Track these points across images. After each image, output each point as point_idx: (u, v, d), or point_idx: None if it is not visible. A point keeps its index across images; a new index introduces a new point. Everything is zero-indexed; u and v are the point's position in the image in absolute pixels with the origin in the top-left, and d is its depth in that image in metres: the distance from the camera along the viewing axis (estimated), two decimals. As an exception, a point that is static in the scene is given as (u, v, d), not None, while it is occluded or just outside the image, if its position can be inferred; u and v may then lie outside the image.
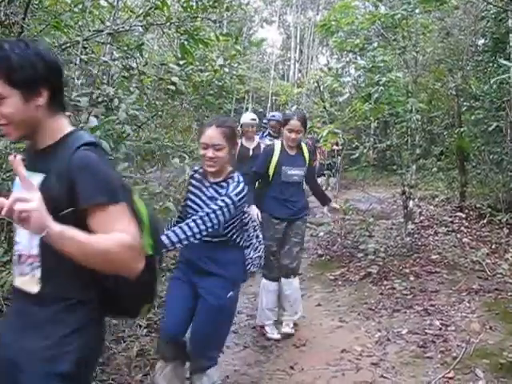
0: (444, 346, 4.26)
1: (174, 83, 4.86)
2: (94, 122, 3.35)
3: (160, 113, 7.33)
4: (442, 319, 4.78)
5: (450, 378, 3.78)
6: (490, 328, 4.50)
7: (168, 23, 4.51)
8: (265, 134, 7.52)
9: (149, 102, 5.29)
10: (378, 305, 5.31)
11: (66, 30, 4.22)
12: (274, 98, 17.94)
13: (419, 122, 6.71)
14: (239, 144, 6.10)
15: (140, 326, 4.67)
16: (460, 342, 4.30)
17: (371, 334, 4.69)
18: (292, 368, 4.12)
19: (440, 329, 4.58)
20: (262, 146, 6.20)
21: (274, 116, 7.59)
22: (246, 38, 25.77)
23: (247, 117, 6.63)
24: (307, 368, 4.10)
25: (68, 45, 4.55)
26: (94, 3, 4.95)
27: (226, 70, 5.26)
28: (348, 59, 7.80)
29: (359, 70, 6.28)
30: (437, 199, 10.44)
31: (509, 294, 5.12)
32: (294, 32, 23.64)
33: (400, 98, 6.14)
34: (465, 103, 8.96)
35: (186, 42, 4.66)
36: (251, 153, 6.45)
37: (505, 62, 3.62)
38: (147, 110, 5.39)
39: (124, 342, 4.34)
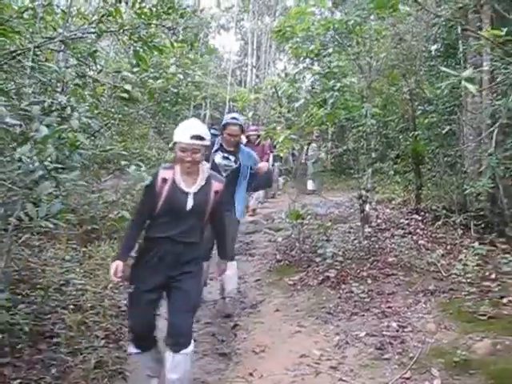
0: (401, 347, 4.32)
1: (127, 91, 4.81)
2: (44, 130, 3.27)
3: (115, 121, 7.27)
4: (399, 321, 4.83)
5: (407, 379, 3.84)
6: (445, 327, 4.58)
7: (121, 30, 4.44)
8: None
9: (104, 110, 5.23)
10: (336, 309, 5.34)
11: (15, 37, 4.12)
12: (231, 103, 17.97)
13: (374, 127, 6.79)
14: None
15: (97, 337, 4.58)
16: (416, 342, 4.37)
17: (330, 337, 4.72)
18: (251, 375, 4.12)
19: (397, 330, 4.64)
20: None
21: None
22: (204, 45, 25.80)
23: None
24: (266, 374, 4.11)
25: (18, 52, 4.45)
26: (46, 9, 4.87)
27: (181, 76, 5.22)
28: (305, 65, 7.86)
29: (314, 75, 6.33)
30: (394, 202, 10.61)
31: (463, 293, 5.22)
32: (250, 38, 23.73)
33: (355, 103, 6.22)
34: (419, 107, 9.12)
35: (140, 49, 4.61)
36: None
37: (447, 70, 3.70)
38: (101, 119, 5.32)
39: (81, 354, 4.25)
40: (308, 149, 13.53)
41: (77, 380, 3.89)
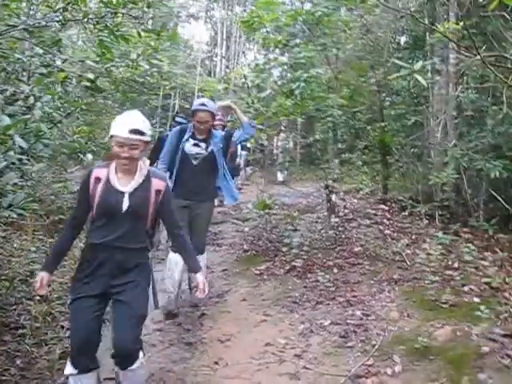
0: (364, 335, 4.38)
1: (91, 80, 4.75)
2: (6, 120, 3.21)
3: (82, 111, 7.17)
4: (363, 309, 4.91)
5: (370, 366, 3.91)
6: (408, 315, 4.67)
7: (85, 19, 4.36)
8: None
9: (69, 100, 5.14)
10: (302, 298, 5.38)
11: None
12: (200, 94, 17.86)
13: (342, 118, 6.84)
14: None
15: (63, 328, 4.55)
16: (379, 330, 4.44)
17: (295, 326, 4.76)
18: (216, 363, 4.14)
19: (361, 319, 4.71)
20: None
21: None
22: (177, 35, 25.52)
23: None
24: (232, 363, 4.13)
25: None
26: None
27: (146, 66, 5.16)
28: (274, 55, 7.86)
29: (281, 66, 6.34)
30: (361, 192, 10.69)
31: (426, 282, 5.31)
32: (220, 28, 23.59)
33: (322, 93, 6.24)
34: (387, 98, 9.23)
35: (104, 38, 4.55)
36: None
37: (399, 62, 3.77)
38: (67, 108, 5.23)
39: (46, 345, 4.22)
40: (277, 139, 13.57)
41: (42, 371, 3.87)
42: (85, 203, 3.23)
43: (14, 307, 4.68)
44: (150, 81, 5.89)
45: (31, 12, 4.42)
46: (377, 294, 5.25)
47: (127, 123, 3.09)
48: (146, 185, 3.25)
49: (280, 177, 14.59)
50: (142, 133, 3.11)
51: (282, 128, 13.01)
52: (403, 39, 10.32)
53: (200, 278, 3.41)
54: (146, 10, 5.42)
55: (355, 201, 9.72)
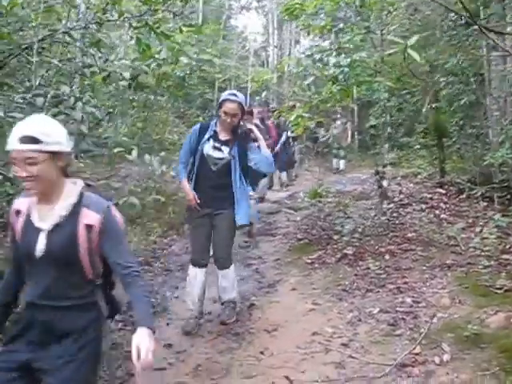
0: (413, 323, 4.29)
1: (132, 78, 4.86)
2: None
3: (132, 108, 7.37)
4: (413, 296, 4.80)
5: (417, 354, 3.82)
6: (459, 302, 4.53)
7: (121, 19, 4.45)
8: None
9: (121, 98, 5.27)
10: (352, 286, 5.33)
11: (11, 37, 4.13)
12: (252, 85, 17.85)
13: (390, 101, 6.68)
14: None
15: (115, 320, 4.68)
16: (429, 317, 4.33)
17: (343, 315, 4.72)
18: (262, 353, 4.17)
19: (411, 306, 4.61)
20: None
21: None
22: (230, 27, 25.64)
23: None
24: (277, 352, 4.14)
25: (25, 46, 4.50)
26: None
27: (186, 61, 5.20)
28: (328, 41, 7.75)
29: (324, 52, 6.23)
30: (419, 176, 10.44)
31: (480, 267, 5.13)
32: (271, 17, 23.44)
33: (367, 77, 6.11)
34: (441, 79, 8.92)
35: (142, 37, 4.63)
36: None
37: (394, 39, 3.68)
38: (120, 106, 5.36)
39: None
40: (333, 127, 13.39)
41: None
42: (13, 244, 2.46)
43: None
44: (192, 75, 5.85)
45: (72, 15, 4.51)
46: (428, 281, 5.12)
47: (18, 130, 2.18)
48: (73, 218, 2.30)
49: (336, 164, 14.45)
50: (37, 140, 2.15)
51: (339, 115, 12.94)
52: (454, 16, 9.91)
53: (143, 340, 2.27)
54: (182, 4, 5.46)
55: (411, 185, 9.48)
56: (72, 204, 2.32)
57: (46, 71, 4.44)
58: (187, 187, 4.67)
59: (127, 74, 4.51)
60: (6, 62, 4.35)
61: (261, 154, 4.68)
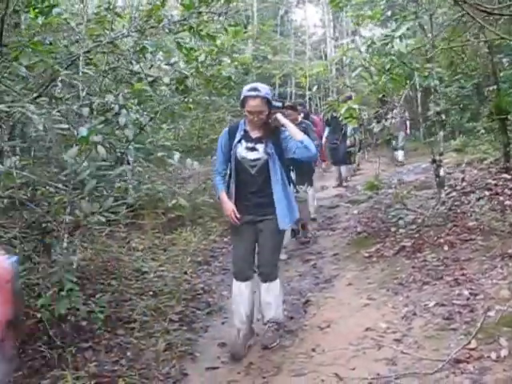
0: (470, 317, 4.14)
1: (179, 81, 4.97)
2: (83, 131, 3.46)
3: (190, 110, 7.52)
4: (471, 288, 4.63)
5: (472, 349, 3.69)
6: (520, 294, 4.34)
7: (161, 25, 4.55)
8: None
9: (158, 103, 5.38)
10: (408, 279, 5.21)
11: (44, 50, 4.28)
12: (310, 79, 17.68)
13: (441, 87, 6.48)
14: None
15: (171, 321, 4.81)
16: (487, 310, 4.17)
17: (398, 309, 4.63)
18: (314, 350, 4.15)
19: (468, 299, 4.46)
20: None
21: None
22: (288, 22, 25.55)
23: None
24: (329, 349, 4.12)
25: (73, 58, 4.69)
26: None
27: (228, 60, 5.26)
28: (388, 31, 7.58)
29: (370, 41, 6.09)
30: (485, 162, 10.05)
31: (544, 256, 4.91)
32: (326, 9, 23.12)
33: (417, 64, 5.95)
34: (504, 59, 8.57)
35: (181, 41, 4.71)
36: None
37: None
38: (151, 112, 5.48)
39: (153, 337, 4.48)
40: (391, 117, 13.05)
41: (148, 361, 4.11)
42: None
43: (129, 303, 5.02)
44: (232, 74, 5.79)
45: (113, 26, 4.66)
46: (488, 272, 4.92)
47: None
48: None
49: (397, 156, 14.11)
50: None
51: (396, 105, 12.63)
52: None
53: None
54: (226, 4, 5.49)
55: (475, 172, 9.13)
56: None
57: (93, 81, 4.61)
58: (225, 200, 4.28)
59: (167, 79, 4.59)
60: (57, 75, 4.53)
61: (293, 140, 4.17)
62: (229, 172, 4.36)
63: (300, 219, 5.78)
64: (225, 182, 4.37)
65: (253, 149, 4.22)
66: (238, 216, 4.21)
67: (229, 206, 4.25)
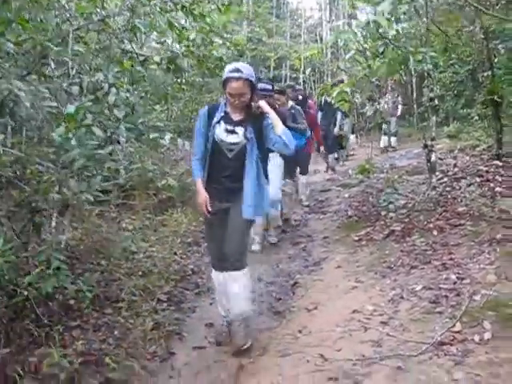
0: (456, 300, 4.17)
1: (170, 61, 4.93)
2: (71, 108, 3.44)
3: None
4: (458, 273, 4.66)
5: (457, 332, 3.72)
6: (506, 278, 4.36)
7: (152, 3, 4.50)
8: None
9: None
10: (396, 262, 5.24)
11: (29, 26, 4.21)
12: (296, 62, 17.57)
13: (436, 72, 6.45)
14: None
15: (159, 301, 4.83)
16: (472, 294, 4.21)
17: (385, 292, 4.66)
18: (300, 332, 4.19)
19: (455, 283, 4.48)
20: None
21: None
22: (284, 5, 25.34)
23: None
24: (315, 331, 4.15)
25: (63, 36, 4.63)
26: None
27: (220, 41, 5.22)
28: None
29: (362, 24, 6.04)
30: (478, 149, 10.07)
31: (532, 241, 4.94)
32: (322, -9, 22.99)
33: (411, 48, 5.92)
34: (499, 45, 8.53)
35: (172, 20, 4.66)
36: None
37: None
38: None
39: (140, 316, 4.49)
40: (385, 102, 13.00)
41: (136, 340, 4.13)
42: None
43: (117, 282, 5.03)
44: (226, 55, 5.74)
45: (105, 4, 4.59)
46: (475, 256, 4.94)
47: None
48: None
49: (385, 142, 14.08)
50: None
51: (389, 89, 12.62)
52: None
53: None
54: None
55: (467, 158, 9.15)
56: None
57: (84, 59, 4.56)
58: (200, 189, 4.05)
59: (157, 58, 4.55)
60: (46, 52, 4.49)
61: (275, 133, 3.96)
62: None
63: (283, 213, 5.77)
64: (202, 169, 4.12)
65: (232, 131, 4.00)
66: (210, 208, 4.00)
67: (202, 195, 4.03)
